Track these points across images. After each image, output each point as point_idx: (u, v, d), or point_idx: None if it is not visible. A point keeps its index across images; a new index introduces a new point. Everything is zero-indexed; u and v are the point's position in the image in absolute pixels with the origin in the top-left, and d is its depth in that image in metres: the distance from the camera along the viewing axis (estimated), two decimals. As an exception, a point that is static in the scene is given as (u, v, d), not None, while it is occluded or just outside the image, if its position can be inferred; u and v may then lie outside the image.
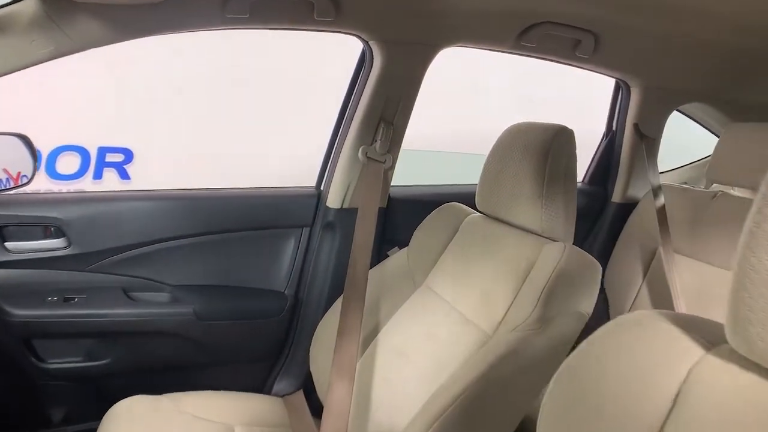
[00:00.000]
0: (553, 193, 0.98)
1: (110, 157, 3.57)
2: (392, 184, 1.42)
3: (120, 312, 1.21)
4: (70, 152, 3.45)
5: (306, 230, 1.41)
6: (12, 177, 1.36)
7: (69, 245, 1.19)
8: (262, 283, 1.38)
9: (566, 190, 0.99)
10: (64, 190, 3.32)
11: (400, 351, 1.11)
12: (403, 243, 1.28)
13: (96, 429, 1.06)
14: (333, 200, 1.37)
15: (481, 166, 1.12)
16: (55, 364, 1.22)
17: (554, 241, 0.99)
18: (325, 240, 1.40)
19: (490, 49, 1.32)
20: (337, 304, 1.22)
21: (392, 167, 1.36)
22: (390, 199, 1.44)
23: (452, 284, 1.12)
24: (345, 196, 1.36)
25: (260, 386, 1.38)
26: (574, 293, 0.94)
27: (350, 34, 1.18)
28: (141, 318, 1.23)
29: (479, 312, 1.02)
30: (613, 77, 1.64)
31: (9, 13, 0.93)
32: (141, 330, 1.24)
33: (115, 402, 1.11)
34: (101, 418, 1.08)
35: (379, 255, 1.40)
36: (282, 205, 1.38)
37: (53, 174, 3.35)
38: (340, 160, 1.35)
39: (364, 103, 1.28)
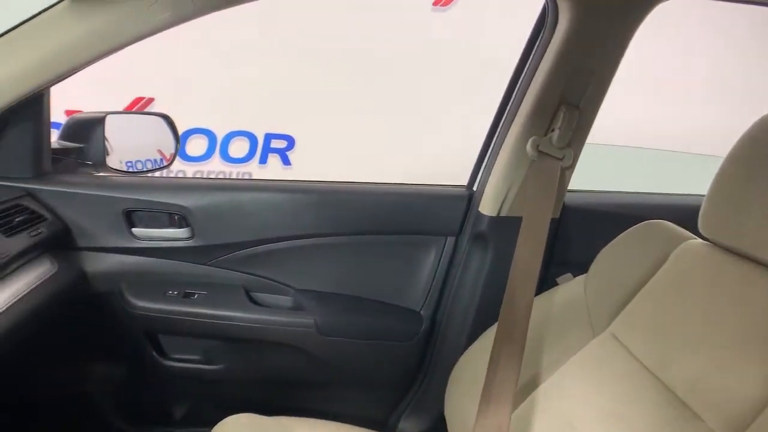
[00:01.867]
0: None
1: (275, 143, 3.70)
2: (573, 189, 1.09)
3: (240, 316, 1.09)
4: (240, 137, 3.65)
5: (451, 240, 1.15)
6: (165, 157, 1.33)
7: (192, 236, 1.10)
8: (393, 297, 1.16)
9: None
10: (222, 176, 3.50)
11: (568, 422, 0.80)
12: (579, 267, 0.96)
13: None
14: (488, 205, 1.08)
15: (699, 169, 0.75)
16: (173, 362, 1.14)
17: None
18: (474, 254, 1.12)
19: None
20: (486, 337, 0.95)
21: (572, 166, 1.02)
22: (564, 208, 1.10)
23: (654, 341, 0.77)
24: (504, 200, 1.06)
25: (383, 420, 1.17)
26: None
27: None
28: (260, 325, 1.09)
29: (705, 396, 0.66)
30: None
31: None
32: (259, 338, 1.10)
33: (225, 410, 0.99)
34: (210, 425, 0.96)
35: (543, 279, 1.08)
36: (425, 208, 1.14)
37: (226, 157, 3.57)
38: (500, 154, 1.06)
39: (541, 79, 0.97)
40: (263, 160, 3.63)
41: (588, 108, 0.98)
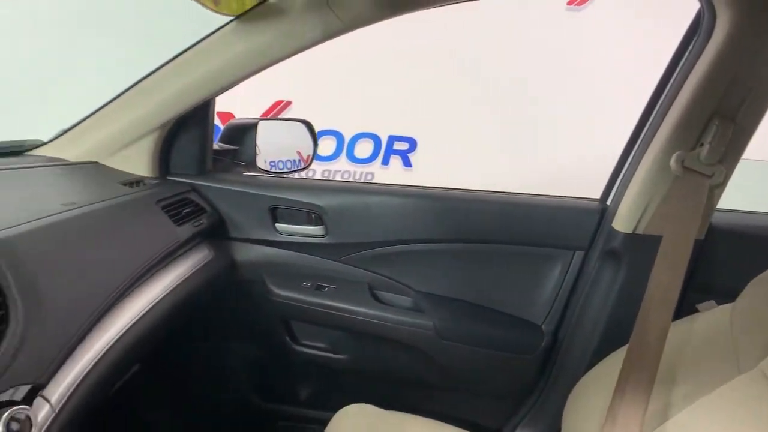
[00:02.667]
0: None
1: (397, 145, 3.81)
2: (722, 208, 0.99)
3: (364, 311, 1.15)
4: (365, 139, 3.81)
5: (579, 255, 1.10)
6: (303, 159, 1.45)
7: (326, 234, 1.18)
8: (514, 309, 1.15)
9: None
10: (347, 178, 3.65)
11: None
12: (724, 295, 0.87)
13: (324, 420, 1.02)
14: (623, 221, 1.02)
15: None
16: (303, 348, 1.24)
17: None
18: (604, 271, 1.07)
19: None
20: (614, 359, 0.91)
21: (723, 184, 0.93)
22: (711, 229, 1.01)
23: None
24: (641, 217, 1.00)
25: (495, 430, 1.16)
26: None
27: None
28: (382, 322, 1.15)
29: None
30: None
31: (286, 2, 0.91)
32: (381, 335, 1.16)
33: (345, 398, 1.06)
34: (331, 410, 1.04)
35: (682, 305, 1.00)
36: (553, 220, 1.11)
37: (352, 158, 3.75)
38: (640, 168, 1.00)
39: (692, 88, 0.89)
40: (386, 162, 3.75)
41: (746, 121, 0.88)
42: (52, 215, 0.79)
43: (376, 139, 3.85)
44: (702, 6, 0.87)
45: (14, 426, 0.55)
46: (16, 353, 0.60)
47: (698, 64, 0.89)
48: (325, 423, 1.01)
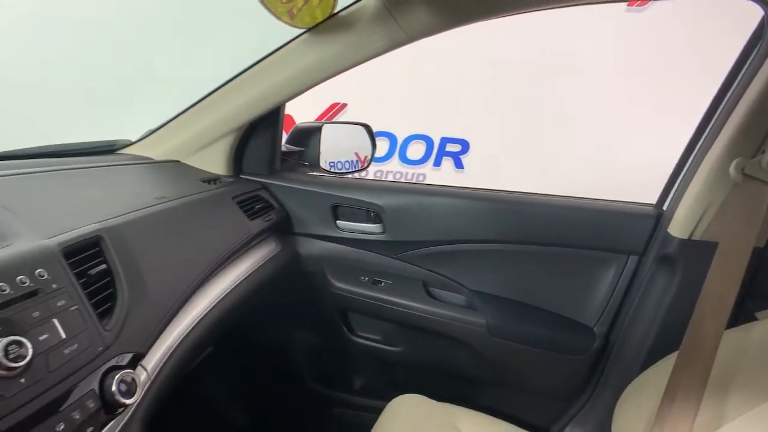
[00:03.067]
0: None
1: (450, 147, 3.84)
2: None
3: (418, 306, 1.21)
4: (418, 140, 3.86)
5: (634, 259, 1.11)
6: (360, 160, 1.53)
7: (384, 231, 1.25)
8: (566, 310, 1.17)
9: None
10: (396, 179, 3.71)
11: None
12: None
13: (378, 408, 1.09)
14: (679, 227, 1.03)
15: None
16: (359, 339, 1.31)
17: None
18: (659, 276, 1.08)
19: None
20: (665, 364, 0.92)
21: (787, 191, 0.92)
22: (774, 237, 1.00)
23: None
24: (698, 223, 1.00)
25: (543, 428, 1.19)
26: None
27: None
28: (435, 318, 1.20)
29: None
30: None
31: (354, 11, 0.98)
32: (433, 329, 1.21)
33: (398, 389, 1.12)
34: (384, 399, 1.10)
35: (740, 312, 1.00)
36: (608, 224, 1.13)
37: (404, 159, 3.81)
38: (697, 174, 1.00)
39: (754, 95, 0.89)
40: (437, 163, 3.79)
41: None
42: (148, 207, 0.89)
43: (428, 141, 3.89)
44: (765, 14, 0.87)
45: (123, 387, 0.64)
46: (122, 326, 0.69)
47: (761, 70, 0.89)
48: (378, 411, 1.07)
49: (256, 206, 1.18)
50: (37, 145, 1.17)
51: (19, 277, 0.59)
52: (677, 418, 0.80)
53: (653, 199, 1.14)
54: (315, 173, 1.38)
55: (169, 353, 0.80)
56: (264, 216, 1.19)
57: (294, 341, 1.40)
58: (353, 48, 1.03)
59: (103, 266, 0.72)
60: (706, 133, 1.03)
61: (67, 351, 0.61)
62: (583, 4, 0.93)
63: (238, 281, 1.03)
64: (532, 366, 1.17)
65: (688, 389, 0.81)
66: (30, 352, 0.55)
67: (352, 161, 1.52)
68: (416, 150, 3.91)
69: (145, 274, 0.78)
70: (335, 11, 1.00)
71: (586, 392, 1.17)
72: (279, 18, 0.98)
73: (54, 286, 0.63)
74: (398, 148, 3.73)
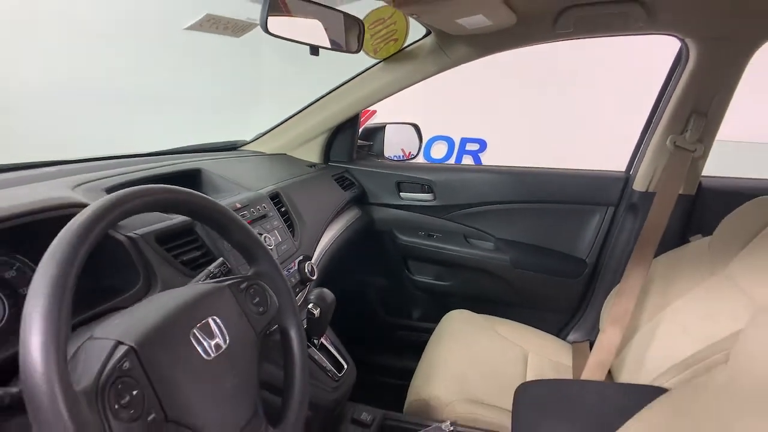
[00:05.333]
0: None
1: (469, 146, 4.34)
2: (711, 175, 1.46)
3: (460, 250, 1.71)
4: (441, 141, 4.36)
5: (611, 209, 1.60)
6: (405, 154, 2.04)
7: (434, 199, 1.75)
8: (566, 248, 1.66)
9: None
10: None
11: (681, 324, 1.20)
12: (710, 233, 1.33)
13: (432, 329, 1.57)
14: (639, 184, 1.52)
15: None
16: (418, 278, 1.82)
17: None
18: (628, 219, 1.56)
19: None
20: (626, 277, 1.38)
21: (703, 156, 1.41)
22: (701, 188, 1.48)
23: (761, 279, 1.08)
24: (651, 180, 1.49)
25: (555, 332, 1.67)
26: None
27: (667, 34, 1.31)
28: (473, 257, 1.70)
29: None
30: None
31: (416, 47, 1.49)
32: (473, 266, 1.71)
33: (449, 311, 1.61)
34: (437, 323, 1.58)
35: (682, 240, 1.47)
36: (593, 185, 1.62)
37: (428, 157, 4.31)
38: (650, 147, 1.49)
39: (678, 95, 1.38)
40: (458, 160, 4.28)
41: (714, 115, 1.36)
42: (292, 178, 1.41)
43: (449, 141, 4.39)
44: (682, 44, 1.36)
45: (309, 268, 1.15)
46: (300, 242, 1.21)
47: (681, 81, 1.38)
48: (431, 331, 1.55)
49: (345, 183, 1.70)
50: (185, 145, 1.67)
51: (257, 207, 1.11)
52: (625, 299, 1.29)
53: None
54: (381, 160, 1.89)
55: (318, 259, 1.31)
56: (350, 189, 1.70)
57: (369, 283, 1.91)
58: (414, 72, 1.53)
59: (284, 207, 1.24)
60: (653, 122, 1.51)
61: (283, 248, 1.13)
62: (578, 38, 1.41)
63: (338, 234, 1.53)
64: (543, 288, 1.66)
65: (633, 287, 1.30)
66: (274, 245, 1.07)
67: (399, 156, 2.03)
68: (439, 149, 4.42)
69: (303, 213, 1.30)
70: (402, 47, 1.51)
71: (582, 305, 1.66)
72: (367, 53, 1.50)
73: (270, 214, 1.15)
74: (422, 148, 4.23)
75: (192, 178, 1.24)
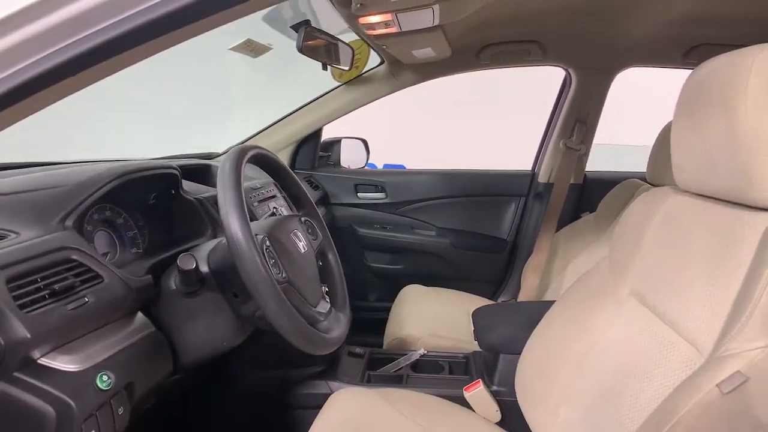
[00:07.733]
0: None
1: (390, 171, 4.75)
2: (594, 169, 2.00)
3: (409, 237, 2.09)
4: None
5: (523, 198, 2.08)
6: (350, 166, 2.40)
7: (386, 197, 2.12)
8: (491, 231, 2.11)
9: None
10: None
11: (577, 274, 1.67)
12: (594, 210, 1.84)
13: (389, 307, 1.91)
14: (542, 177, 2.02)
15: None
16: (374, 265, 2.16)
17: None
18: (535, 206, 2.05)
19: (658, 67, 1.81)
20: (536, 249, 1.86)
21: (586, 153, 1.94)
22: (587, 178, 2.00)
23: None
24: (550, 174, 1.99)
25: (489, 296, 2.08)
26: None
27: (556, 65, 1.84)
28: (420, 242, 2.09)
29: None
30: None
31: (373, 72, 1.89)
32: (419, 250, 2.09)
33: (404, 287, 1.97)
34: (392, 301, 1.93)
35: (575, 217, 1.98)
36: (508, 181, 2.09)
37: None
38: (549, 149, 1.99)
39: (566, 109, 1.91)
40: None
41: (590, 123, 1.90)
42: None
43: (372, 167, 4.80)
44: (567, 73, 1.90)
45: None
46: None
47: (568, 97, 1.91)
48: (389, 309, 1.89)
49: (312, 186, 2.02)
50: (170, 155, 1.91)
51: (268, 189, 1.42)
52: (538, 258, 1.75)
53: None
54: (339, 167, 2.24)
55: None
56: (317, 191, 2.03)
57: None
58: (369, 93, 1.92)
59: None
60: (550, 130, 2.03)
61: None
62: (495, 68, 1.89)
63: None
64: (475, 263, 2.08)
65: (542, 247, 1.78)
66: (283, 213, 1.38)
67: (346, 167, 2.39)
68: (364, 174, 4.78)
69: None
70: (361, 74, 1.90)
71: (506, 274, 2.10)
72: (333, 77, 1.87)
73: (277, 195, 1.46)
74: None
75: (203, 172, 1.51)
